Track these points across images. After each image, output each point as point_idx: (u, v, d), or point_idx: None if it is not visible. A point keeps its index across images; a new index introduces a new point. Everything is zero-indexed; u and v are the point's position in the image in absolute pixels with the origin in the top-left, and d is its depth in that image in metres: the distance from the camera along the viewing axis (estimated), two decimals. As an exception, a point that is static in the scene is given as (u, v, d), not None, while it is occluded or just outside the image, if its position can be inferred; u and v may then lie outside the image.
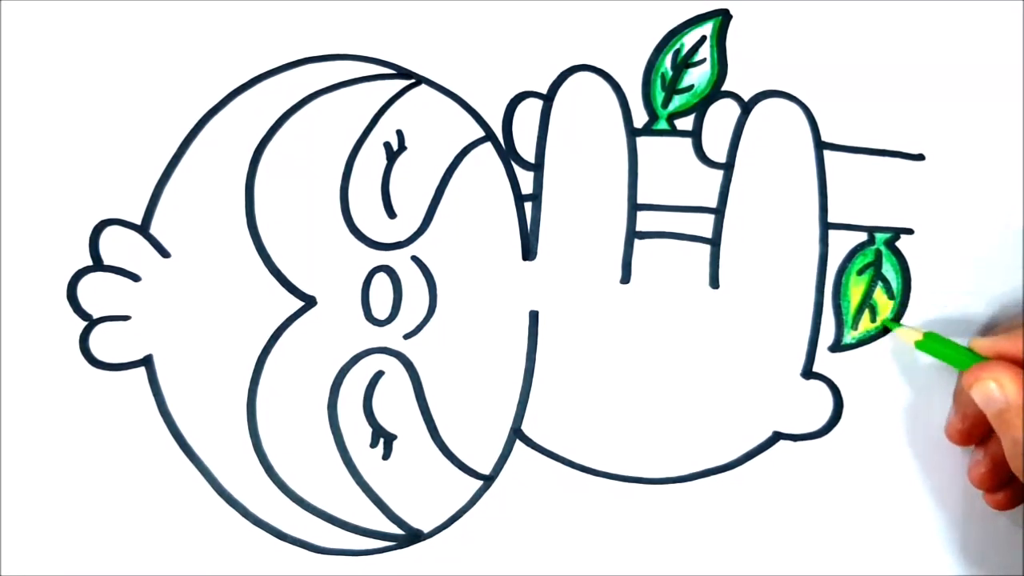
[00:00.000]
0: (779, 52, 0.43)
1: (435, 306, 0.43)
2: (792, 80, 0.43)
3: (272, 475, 0.42)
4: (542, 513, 0.43)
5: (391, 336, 0.43)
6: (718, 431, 0.43)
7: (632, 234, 0.43)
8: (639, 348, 0.43)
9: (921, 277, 0.43)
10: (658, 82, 0.43)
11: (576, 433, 0.43)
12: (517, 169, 0.43)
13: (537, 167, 0.43)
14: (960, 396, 0.42)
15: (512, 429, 0.43)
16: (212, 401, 0.42)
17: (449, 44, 0.43)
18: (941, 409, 0.43)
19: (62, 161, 0.42)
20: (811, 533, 0.43)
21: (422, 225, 0.43)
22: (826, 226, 0.43)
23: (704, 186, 0.43)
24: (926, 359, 0.43)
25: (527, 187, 0.43)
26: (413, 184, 0.43)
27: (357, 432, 0.42)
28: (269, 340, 0.42)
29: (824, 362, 0.43)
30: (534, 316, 0.43)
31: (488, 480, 0.43)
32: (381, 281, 0.43)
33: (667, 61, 0.43)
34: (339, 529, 0.42)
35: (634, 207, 0.43)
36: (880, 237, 0.43)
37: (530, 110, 0.43)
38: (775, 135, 0.43)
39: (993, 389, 0.38)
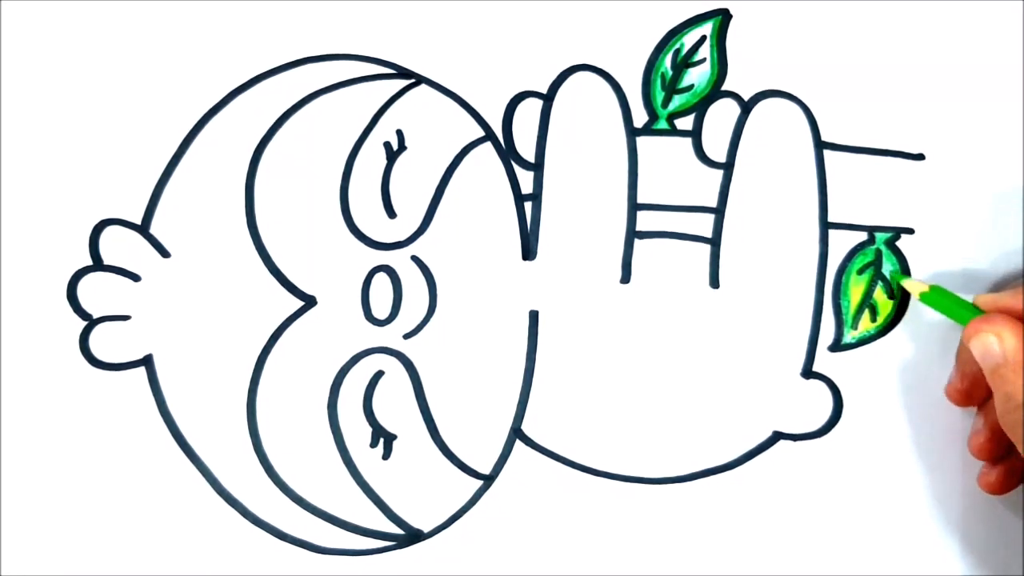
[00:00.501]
0: (779, 52, 0.43)
1: (435, 306, 0.43)
2: (792, 80, 0.43)
3: (272, 475, 0.42)
4: (542, 513, 0.43)
5: (391, 336, 0.43)
6: (718, 431, 0.43)
7: (632, 234, 0.43)
8: (639, 348, 0.43)
9: (921, 277, 0.43)
10: (658, 82, 0.43)
11: (576, 433, 0.43)
12: (517, 169, 0.43)
13: (537, 167, 0.43)
14: (961, 354, 0.41)
15: (512, 429, 0.43)
16: (212, 401, 0.42)
17: (449, 44, 0.43)
18: (941, 409, 0.43)
19: (62, 161, 0.42)
20: (811, 533, 0.43)
21: (422, 225, 0.43)
22: (826, 226, 0.43)
23: (704, 186, 0.43)
24: (925, 354, 0.43)
25: (527, 187, 0.43)
26: (413, 184, 0.43)
27: (357, 432, 0.42)
28: (269, 340, 0.42)
29: (824, 362, 0.43)
30: (534, 316, 0.43)
31: (488, 480, 0.43)
32: (381, 281, 0.43)
33: (667, 61, 0.43)
34: (339, 529, 0.42)
35: (634, 207, 0.43)
36: (880, 237, 0.43)
37: (530, 110, 0.43)
38: (775, 135, 0.43)
39: (992, 343, 0.38)
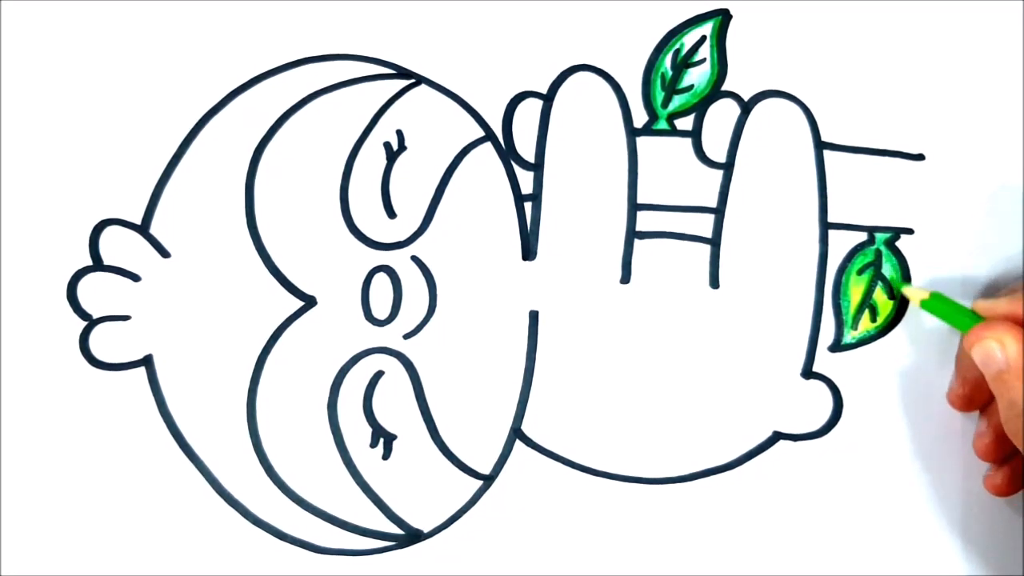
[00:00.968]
0: (779, 52, 0.43)
1: (435, 306, 0.43)
2: (792, 80, 0.43)
3: (272, 475, 0.42)
4: (542, 513, 0.43)
5: (391, 336, 0.43)
6: (718, 431, 0.43)
7: (632, 234, 0.43)
8: (639, 348, 0.43)
9: (921, 277, 0.43)
10: (658, 82, 0.43)
11: (576, 433, 0.43)
12: (517, 169, 0.43)
13: (537, 167, 0.43)
14: (961, 360, 0.42)
15: (512, 429, 0.43)
16: (212, 401, 0.42)
17: (449, 44, 0.43)
18: (941, 409, 0.43)
19: (62, 161, 0.42)
20: (811, 533, 0.43)
21: (422, 225, 0.43)
22: (826, 226, 0.43)
23: (704, 186, 0.43)
24: (925, 355, 0.43)
25: (527, 187, 0.43)
26: (413, 184, 0.43)
27: (357, 432, 0.42)
28: (269, 340, 0.42)
29: (824, 362, 0.43)
30: (534, 316, 0.43)
31: (488, 480, 0.43)
32: (381, 281, 0.43)
33: (667, 61, 0.43)
34: (339, 529, 0.42)
35: (634, 207, 0.43)
36: (880, 237, 0.43)
37: (530, 110, 0.43)
38: (775, 135, 0.43)
39: (994, 349, 0.38)
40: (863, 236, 0.43)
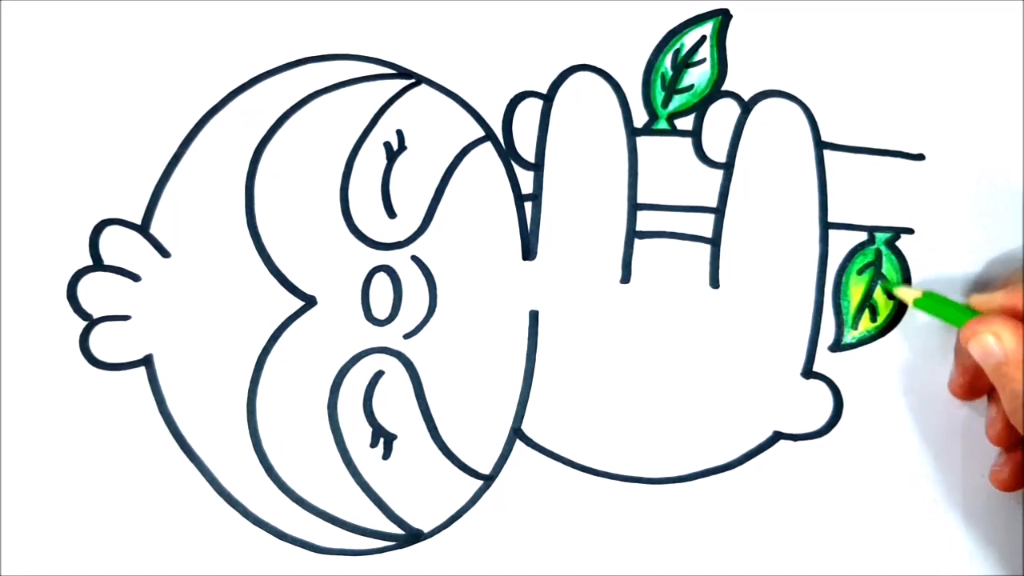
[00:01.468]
0: (779, 52, 0.43)
1: (435, 306, 0.43)
2: (792, 80, 0.43)
3: (272, 475, 0.42)
4: (542, 513, 0.43)
5: (391, 336, 0.43)
6: (718, 431, 0.43)
7: (632, 234, 0.43)
8: (639, 348, 0.43)
9: (921, 277, 0.43)
10: (658, 82, 0.43)
11: (576, 433, 0.43)
12: (517, 169, 0.43)
13: (537, 167, 0.43)
14: (960, 352, 0.42)
15: (512, 429, 0.43)
16: (212, 401, 0.42)
17: (449, 44, 0.43)
18: (941, 409, 0.43)
19: (62, 161, 0.42)
20: (811, 533, 0.43)
21: (422, 225, 0.43)
22: (826, 226, 0.43)
23: (704, 186, 0.43)
24: (925, 354, 0.43)
25: (527, 187, 0.43)
26: (413, 184, 0.43)
27: (357, 432, 0.42)
28: (269, 340, 0.42)
29: (824, 362, 0.43)
30: (534, 316, 0.43)
31: (488, 480, 0.43)
32: (381, 281, 0.43)
33: (667, 61, 0.43)
34: (339, 529, 0.42)
35: (634, 207, 0.43)
36: (880, 237, 0.43)
37: (530, 110, 0.43)
38: (775, 135, 0.43)
39: (991, 342, 0.38)
40: (863, 236, 0.43)
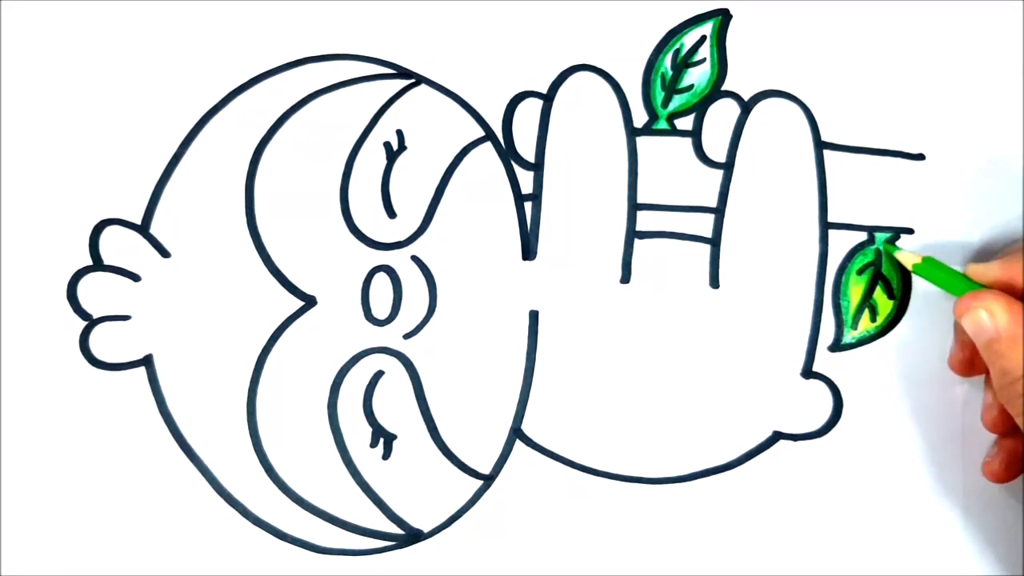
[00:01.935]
0: (779, 52, 0.43)
1: (435, 306, 0.43)
2: (792, 80, 0.43)
3: (272, 475, 0.42)
4: (542, 513, 0.43)
5: (391, 336, 0.43)
6: (718, 431, 0.43)
7: (632, 234, 0.43)
8: (639, 348, 0.43)
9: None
10: (658, 82, 0.43)
11: (576, 433, 0.43)
12: (517, 169, 0.43)
13: (537, 167, 0.43)
14: (959, 327, 0.41)
15: (512, 429, 0.43)
16: (212, 401, 0.42)
17: (449, 44, 0.43)
18: (941, 409, 0.43)
19: (62, 161, 0.42)
20: (811, 533, 0.43)
21: (422, 225, 0.43)
22: (826, 226, 0.43)
23: (704, 186, 0.43)
24: (925, 355, 0.43)
25: (527, 187, 0.43)
26: (413, 184, 0.43)
27: (357, 432, 0.42)
28: (269, 340, 0.42)
29: (824, 362, 0.43)
30: (534, 316, 0.43)
31: (488, 480, 0.43)
32: (381, 281, 0.43)
33: (667, 61, 0.43)
34: (339, 529, 0.42)
35: (634, 207, 0.43)
36: (880, 237, 0.43)
37: (530, 110, 0.43)
38: (775, 135, 0.43)
39: (984, 318, 0.38)
40: (863, 236, 0.43)
